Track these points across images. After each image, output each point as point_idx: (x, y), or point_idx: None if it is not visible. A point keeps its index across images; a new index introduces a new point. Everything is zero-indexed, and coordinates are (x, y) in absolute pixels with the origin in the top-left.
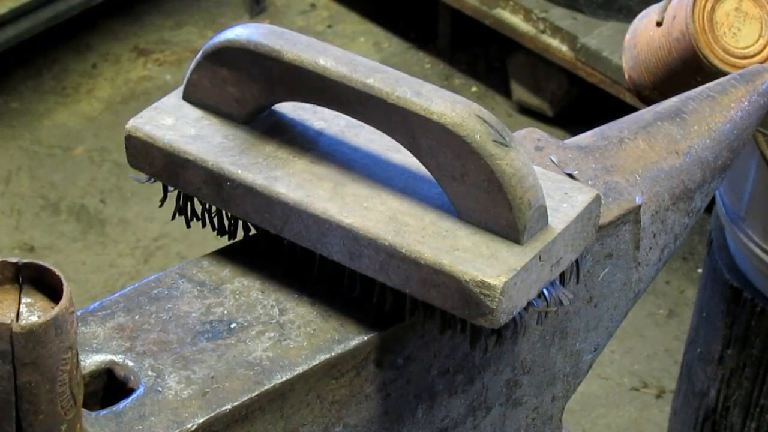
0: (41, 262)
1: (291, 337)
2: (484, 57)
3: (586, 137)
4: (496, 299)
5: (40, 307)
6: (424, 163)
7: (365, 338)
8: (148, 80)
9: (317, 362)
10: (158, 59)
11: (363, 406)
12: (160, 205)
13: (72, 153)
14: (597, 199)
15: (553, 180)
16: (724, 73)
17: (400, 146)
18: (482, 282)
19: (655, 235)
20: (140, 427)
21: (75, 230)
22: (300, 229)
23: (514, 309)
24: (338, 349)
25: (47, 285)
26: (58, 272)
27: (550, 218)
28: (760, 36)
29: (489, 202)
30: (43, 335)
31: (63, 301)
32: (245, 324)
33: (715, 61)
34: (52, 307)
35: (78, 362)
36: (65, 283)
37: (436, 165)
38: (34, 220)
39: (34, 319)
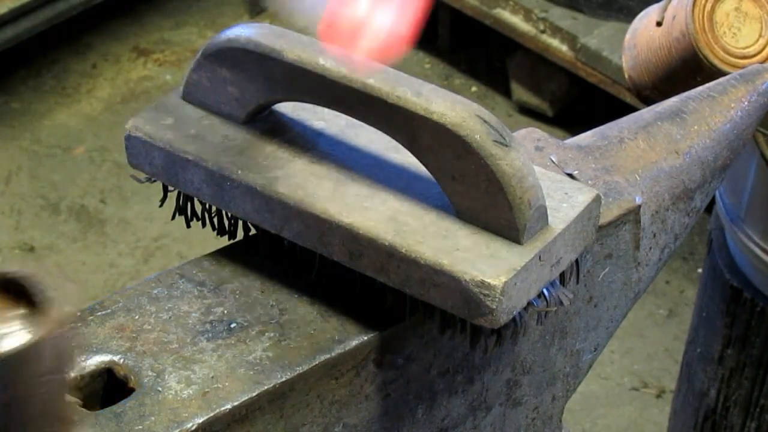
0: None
1: (291, 337)
2: (484, 57)
3: (586, 137)
4: (496, 299)
5: (35, 322)
6: (424, 163)
7: (365, 338)
8: (148, 80)
9: (317, 362)
10: (158, 59)
11: (363, 406)
12: (160, 205)
13: (72, 153)
14: (597, 199)
15: (553, 180)
16: (724, 73)
17: (400, 146)
18: (482, 282)
19: (655, 235)
20: (140, 427)
21: (75, 230)
22: (300, 229)
23: (514, 309)
24: (338, 349)
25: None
26: (56, 297)
27: (550, 218)
28: (760, 36)
29: (489, 202)
30: (16, 361)
31: (46, 328)
32: (245, 324)
33: (715, 61)
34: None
35: (65, 386)
36: (56, 308)
37: (436, 165)
38: (34, 220)
39: (13, 340)
